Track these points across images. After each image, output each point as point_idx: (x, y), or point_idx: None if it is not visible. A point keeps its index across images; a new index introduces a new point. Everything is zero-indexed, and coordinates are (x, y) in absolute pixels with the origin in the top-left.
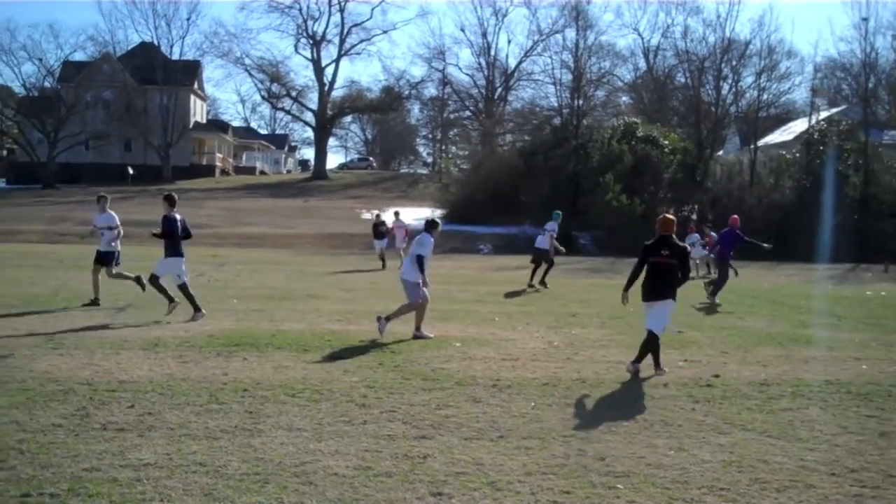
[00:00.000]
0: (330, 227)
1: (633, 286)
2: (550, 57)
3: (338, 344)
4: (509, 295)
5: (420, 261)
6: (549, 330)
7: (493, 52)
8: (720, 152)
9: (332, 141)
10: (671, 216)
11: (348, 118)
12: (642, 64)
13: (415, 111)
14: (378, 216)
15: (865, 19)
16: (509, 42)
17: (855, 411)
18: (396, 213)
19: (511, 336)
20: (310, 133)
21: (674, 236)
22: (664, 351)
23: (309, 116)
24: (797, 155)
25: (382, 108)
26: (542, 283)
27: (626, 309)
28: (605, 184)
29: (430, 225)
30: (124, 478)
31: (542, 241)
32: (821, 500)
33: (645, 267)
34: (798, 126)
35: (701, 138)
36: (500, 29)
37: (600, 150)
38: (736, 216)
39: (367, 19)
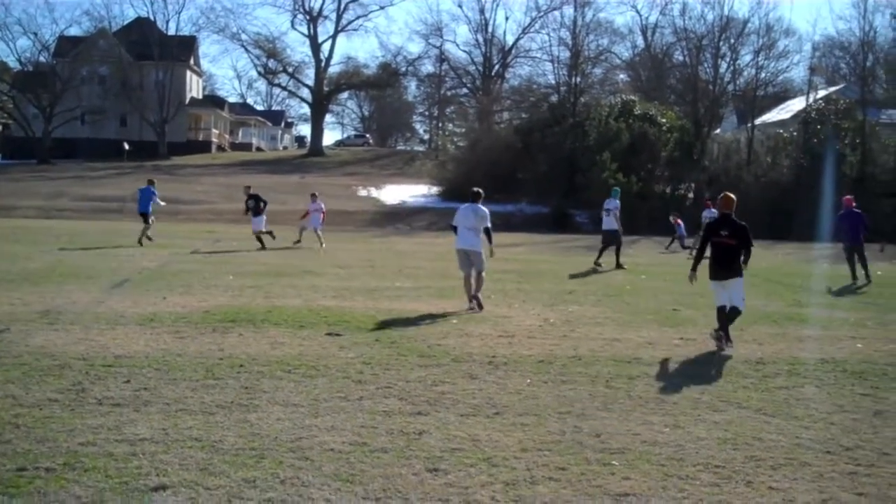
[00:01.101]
0: (326, 204)
1: (699, 264)
2: (548, 34)
3: (334, 320)
4: (573, 276)
5: (488, 231)
6: (546, 307)
7: (490, 29)
8: (717, 131)
9: (328, 118)
10: (731, 195)
11: (345, 95)
12: (640, 42)
13: (412, 88)
14: (248, 188)
15: None
16: (507, 19)
17: (850, 389)
18: (313, 195)
19: (507, 313)
20: (306, 109)
21: (733, 215)
22: (661, 329)
23: (305, 93)
24: (794, 134)
25: (379, 84)
26: (618, 265)
27: (622, 287)
28: (602, 162)
29: (477, 196)
30: (120, 452)
31: (609, 223)
32: (815, 478)
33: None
34: (796, 105)
35: (698, 116)
36: (497, 5)
37: (597, 128)
38: (849, 196)
39: None
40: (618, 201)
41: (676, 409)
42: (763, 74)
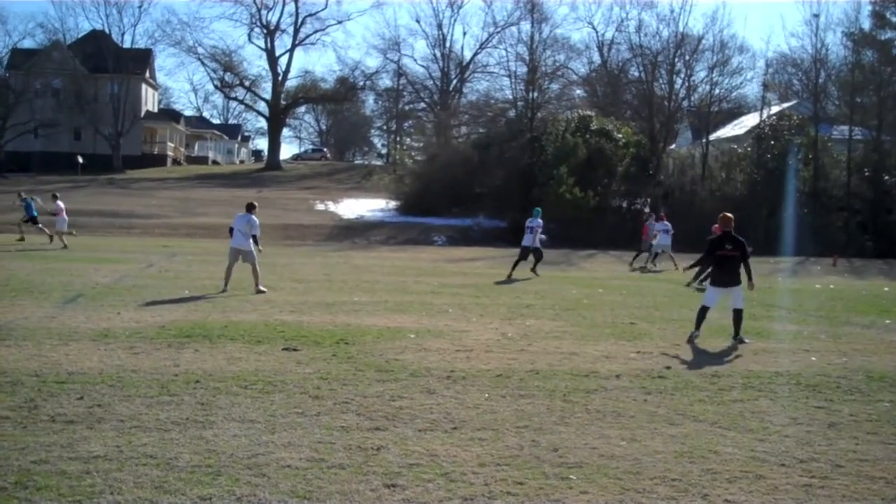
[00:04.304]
0: (283, 219)
1: (702, 274)
2: (506, 49)
3: (291, 335)
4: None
5: (256, 238)
6: (503, 321)
7: (448, 44)
8: (673, 146)
9: (285, 131)
10: (729, 214)
11: (302, 108)
12: (596, 57)
13: (369, 102)
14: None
15: (817, 15)
16: (465, 34)
17: (804, 402)
18: (54, 196)
19: (465, 327)
20: (263, 123)
21: (733, 231)
22: (618, 342)
23: (262, 106)
24: (748, 149)
25: (337, 98)
26: (533, 271)
27: (579, 301)
28: (559, 176)
29: (251, 207)
30: (73, 470)
31: (528, 239)
32: (770, 491)
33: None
34: (749, 120)
35: (654, 132)
36: (455, 21)
37: (554, 142)
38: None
39: (322, 9)
40: (540, 220)
41: (633, 422)
42: (717, 90)
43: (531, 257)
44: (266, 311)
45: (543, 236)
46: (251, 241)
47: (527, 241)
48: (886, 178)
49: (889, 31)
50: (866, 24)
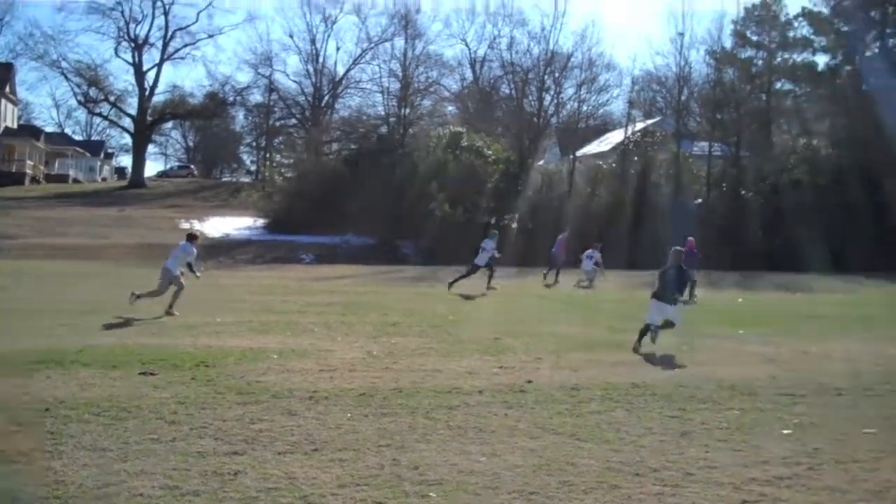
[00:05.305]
0: (148, 238)
1: None
2: (379, 65)
3: (149, 358)
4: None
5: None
6: (369, 339)
7: (321, 60)
8: (541, 162)
9: (151, 148)
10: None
11: (169, 124)
12: (469, 74)
13: (239, 118)
14: None
15: (681, 34)
16: (338, 49)
17: (658, 412)
18: None
19: (330, 347)
20: (128, 139)
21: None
22: (482, 358)
23: (128, 122)
24: (613, 165)
25: (205, 114)
26: (452, 283)
27: (445, 317)
28: (430, 193)
29: (192, 237)
30: None
31: (482, 259)
32: (624, 500)
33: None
34: (615, 137)
35: (523, 148)
36: (329, 36)
37: (426, 159)
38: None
39: (193, 23)
40: (493, 242)
41: (494, 437)
42: (585, 107)
43: (481, 273)
44: (124, 333)
45: (497, 254)
46: (187, 267)
47: (479, 259)
48: (744, 192)
49: (749, 49)
50: (728, 43)
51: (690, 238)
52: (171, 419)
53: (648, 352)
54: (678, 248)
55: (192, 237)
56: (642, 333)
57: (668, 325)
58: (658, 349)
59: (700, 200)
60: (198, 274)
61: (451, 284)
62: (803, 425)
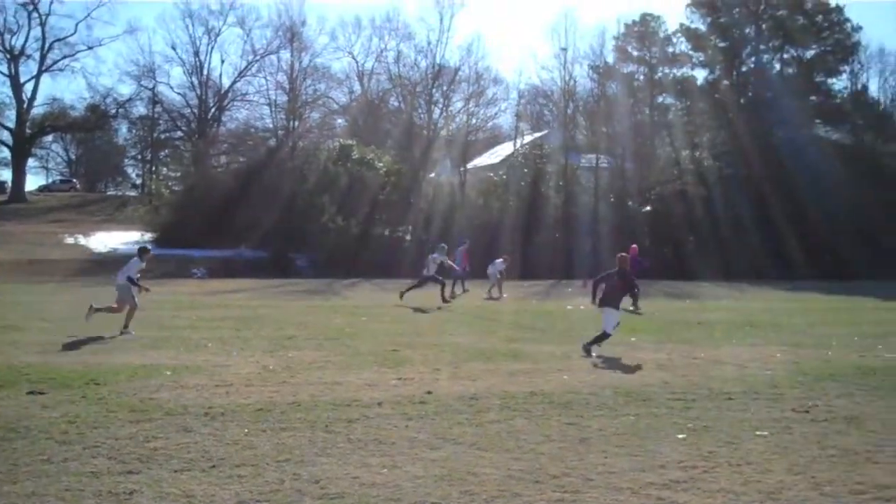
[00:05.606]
0: (29, 254)
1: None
2: (265, 78)
3: (37, 377)
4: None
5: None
6: (265, 354)
7: (206, 72)
8: (433, 174)
9: (31, 161)
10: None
11: (50, 137)
12: (357, 87)
13: (122, 131)
14: None
15: (564, 49)
16: (223, 61)
17: (557, 420)
18: None
19: (225, 362)
20: (6, 153)
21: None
22: (381, 370)
23: (6, 136)
24: (503, 177)
25: (87, 126)
26: (408, 289)
27: (342, 330)
28: (322, 205)
29: (142, 251)
30: None
31: (430, 269)
32: None
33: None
34: (504, 149)
35: (414, 161)
36: (213, 48)
37: (316, 171)
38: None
39: (72, 34)
40: (438, 255)
41: (394, 449)
42: (474, 120)
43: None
44: (10, 352)
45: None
46: (127, 280)
47: (428, 271)
48: (630, 203)
49: (631, 64)
50: (610, 58)
51: (634, 245)
52: (61, 439)
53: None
54: (623, 253)
55: (142, 251)
56: (598, 340)
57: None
58: (548, 358)
59: (650, 208)
60: (143, 288)
61: (402, 294)
62: (697, 429)
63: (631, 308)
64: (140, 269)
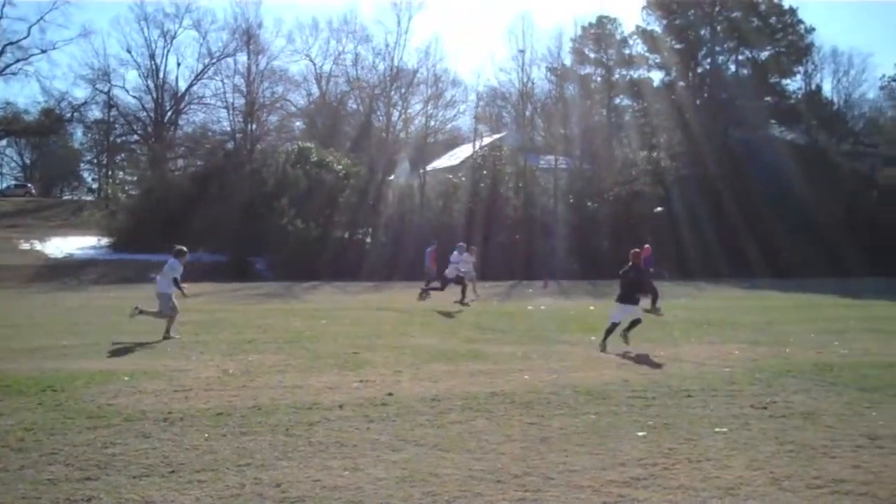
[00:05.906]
0: None
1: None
2: (222, 80)
3: None
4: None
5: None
6: (225, 357)
7: (162, 75)
8: (392, 177)
9: None
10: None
11: (3, 142)
12: (315, 90)
13: (78, 135)
14: None
15: (522, 51)
16: (179, 64)
17: (518, 419)
18: None
19: (184, 366)
20: None
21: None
22: (341, 373)
23: None
24: (463, 179)
25: (41, 130)
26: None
27: (301, 333)
28: (281, 208)
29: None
30: None
31: (451, 272)
32: None
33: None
34: (464, 151)
35: (373, 163)
36: (168, 51)
37: (275, 174)
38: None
39: (24, 38)
40: (458, 254)
41: (356, 451)
42: (433, 122)
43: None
44: None
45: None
46: (173, 283)
47: (450, 273)
48: (589, 204)
49: (588, 66)
50: (568, 60)
51: (647, 245)
52: (17, 446)
53: (597, 353)
54: (636, 249)
55: (179, 253)
56: (608, 332)
57: (636, 322)
58: (509, 358)
59: (661, 209)
60: (182, 292)
61: (421, 294)
62: (657, 427)
63: (648, 308)
64: (180, 271)
